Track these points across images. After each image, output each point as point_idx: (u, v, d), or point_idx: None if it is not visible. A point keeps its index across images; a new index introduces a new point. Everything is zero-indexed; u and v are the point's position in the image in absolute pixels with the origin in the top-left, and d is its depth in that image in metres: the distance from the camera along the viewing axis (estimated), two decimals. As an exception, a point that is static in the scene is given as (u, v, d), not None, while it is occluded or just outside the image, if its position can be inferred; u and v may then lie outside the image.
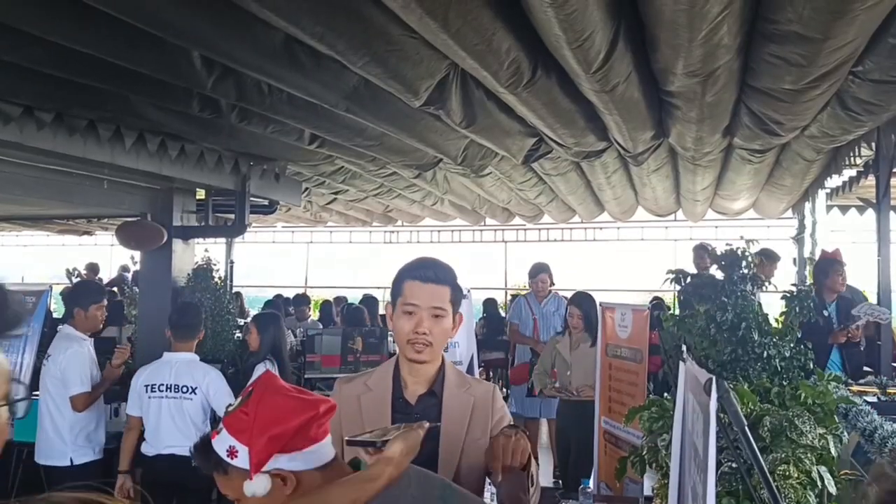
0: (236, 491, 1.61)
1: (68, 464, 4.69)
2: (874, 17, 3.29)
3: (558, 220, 12.19)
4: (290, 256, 16.09)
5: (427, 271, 2.08)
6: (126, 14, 3.31)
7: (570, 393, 5.70)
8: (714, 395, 1.04)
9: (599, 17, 3.28)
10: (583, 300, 6.01)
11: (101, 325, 5.07)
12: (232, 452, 1.59)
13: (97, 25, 3.48)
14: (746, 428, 1.14)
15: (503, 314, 10.50)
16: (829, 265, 6.51)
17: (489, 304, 10.03)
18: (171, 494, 4.72)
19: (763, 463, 1.34)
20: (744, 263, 4.07)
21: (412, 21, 3.31)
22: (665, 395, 2.84)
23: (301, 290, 12.63)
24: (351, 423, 2.04)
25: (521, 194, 9.69)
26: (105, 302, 5.02)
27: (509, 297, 12.03)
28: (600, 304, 5.48)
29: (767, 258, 7.09)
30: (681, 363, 1.75)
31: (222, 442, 1.62)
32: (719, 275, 4.26)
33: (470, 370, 6.36)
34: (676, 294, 6.83)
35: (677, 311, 5.69)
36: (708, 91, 4.37)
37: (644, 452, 2.09)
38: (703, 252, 7.60)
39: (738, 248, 4.04)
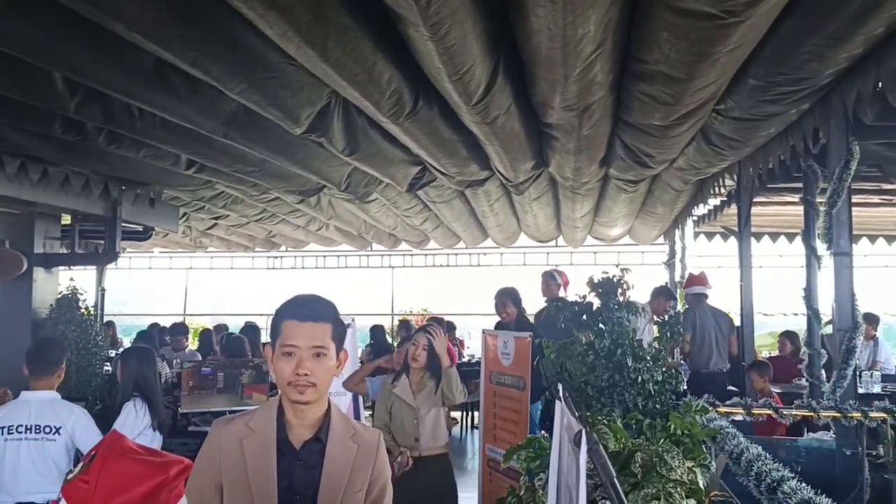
0: None
1: None
2: (734, 59, 3.51)
3: (444, 245, 12.31)
4: (173, 282, 15.42)
5: (305, 309, 2.00)
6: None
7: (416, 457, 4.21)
8: (584, 447, 1.04)
9: (479, 52, 3.33)
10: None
11: None
12: None
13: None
14: (615, 478, 1.15)
15: (390, 340, 10.44)
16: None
17: (377, 330, 9.93)
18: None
19: None
20: (619, 291, 4.21)
21: (290, 49, 3.24)
22: (543, 432, 2.87)
23: (179, 319, 12.09)
24: (233, 467, 1.94)
25: (407, 220, 9.70)
26: None
27: (396, 323, 11.99)
28: (483, 332, 5.51)
29: (665, 296, 7.34)
30: (557, 402, 1.75)
31: None
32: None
33: (355, 398, 6.26)
34: (535, 319, 6.59)
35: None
36: (584, 124, 4.52)
37: (522, 492, 2.09)
38: (549, 279, 7.03)
39: (613, 276, 4.17)
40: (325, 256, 13.51)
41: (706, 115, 4.41)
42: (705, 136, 4.94)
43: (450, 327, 10.17)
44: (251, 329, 9.21)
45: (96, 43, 3.28)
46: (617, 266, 4.27)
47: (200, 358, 8.77)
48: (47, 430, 4.25)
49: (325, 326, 1.98)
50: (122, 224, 6.98)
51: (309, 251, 13.24)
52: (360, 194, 7.07)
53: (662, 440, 2.05)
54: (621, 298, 4.19)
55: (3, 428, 4.23)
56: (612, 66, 3.69)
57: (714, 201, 7.87)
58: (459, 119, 4.63)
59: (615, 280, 4.11)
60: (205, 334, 10.25)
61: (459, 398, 4.41)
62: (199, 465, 2.04)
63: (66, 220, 7.12)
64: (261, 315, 11.88)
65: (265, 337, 9.56)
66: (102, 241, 7.45)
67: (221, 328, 10.98)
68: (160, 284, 15.92)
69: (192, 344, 10.46)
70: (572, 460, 1.41)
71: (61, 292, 6.97)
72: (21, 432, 4.22)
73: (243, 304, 14.91)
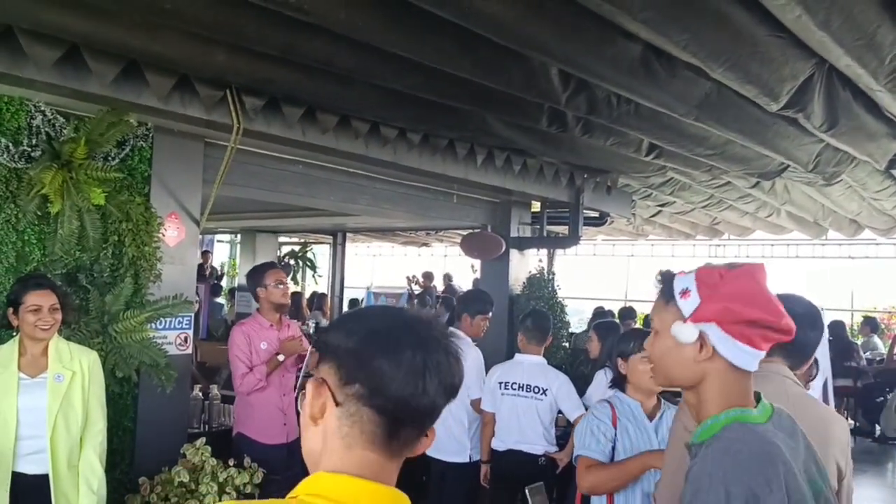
0: (661, 324, 1.63)
1: (467, 460, 5.01)
2: None
3: (919, 233, 10.70)
4: (602, 269, 16.09)
5: None
6: (499, 35, 3.55)
7: None
8: None
9: None
10: None
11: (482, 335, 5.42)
12: (685, 293, 1.59)
13: (473, 48, 3.81)
14: None
15: (851, 338, 9.49)
16: None
17: (835, 326, 9.10)
18: (516, 490, 4.98)
19: None
20: None
21: (788, 20, 3.15)
22: None
23: (623, 304, 12.59)
24: None
25: (876, 204, 8.67)
26: (490, 315, 5.34)
27: (858, 319, 10.79)
28: None
29: None
30: None
31: (685, 281, 1.61)
32: None
33: (825, 397, 5.82)
34: None
35: None
36: None
37: None
38: None
39: None
40: (772, 245, 12.74)
41: None
42: None
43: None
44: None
45: (592, 36, 3.59)
46: None
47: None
48: (536, 389, 4.81)
49: None
50: (583, 210, 7.51)
51: (754, 239, 12.63)
52: (827, 175, 6.53)
53: None
54: None
55: (500, 383, 4.91)
56: None
57: None
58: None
59: None
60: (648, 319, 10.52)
61: None
62: None
63: (535, 207, 7.92)
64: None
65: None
66: (563, 227, 8.12)
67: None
68: (585, 270, 16.64)
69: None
70: None
71: (530, 272, 7.80)
72: (515, 389, 4.85)
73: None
